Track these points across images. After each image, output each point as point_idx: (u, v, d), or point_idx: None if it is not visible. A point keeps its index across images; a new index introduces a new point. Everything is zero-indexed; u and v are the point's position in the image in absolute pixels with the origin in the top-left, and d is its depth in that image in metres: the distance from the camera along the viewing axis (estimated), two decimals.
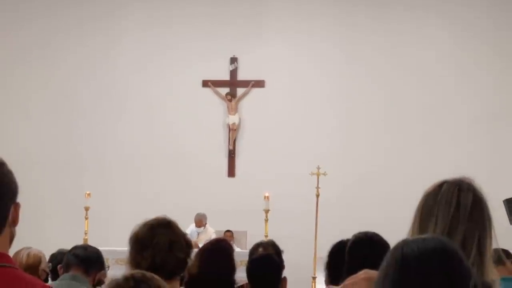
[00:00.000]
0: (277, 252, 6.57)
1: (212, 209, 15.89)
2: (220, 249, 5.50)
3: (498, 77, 17.15)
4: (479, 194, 2.84)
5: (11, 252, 2.56)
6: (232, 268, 5.51)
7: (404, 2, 17.46)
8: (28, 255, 5.83)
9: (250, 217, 15.92)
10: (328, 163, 15.96)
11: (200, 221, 15.60)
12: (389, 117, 17.30)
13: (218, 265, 5.28)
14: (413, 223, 2.84)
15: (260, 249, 6.60)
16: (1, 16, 17.89)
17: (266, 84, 17.75)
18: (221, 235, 15.48)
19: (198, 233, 15.36)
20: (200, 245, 13.06)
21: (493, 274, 2.75)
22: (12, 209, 2.46)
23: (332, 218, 15.81)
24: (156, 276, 2.91)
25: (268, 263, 5.85)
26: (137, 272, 2.96)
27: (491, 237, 2.79)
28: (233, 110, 17.65)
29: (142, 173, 17.43)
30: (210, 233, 15.32)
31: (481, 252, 2.74)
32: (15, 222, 2.48)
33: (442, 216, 2.78)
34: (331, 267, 4.75)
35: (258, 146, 17.35)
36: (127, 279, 2.84)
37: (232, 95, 17.72)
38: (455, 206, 2.79)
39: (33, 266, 5.74)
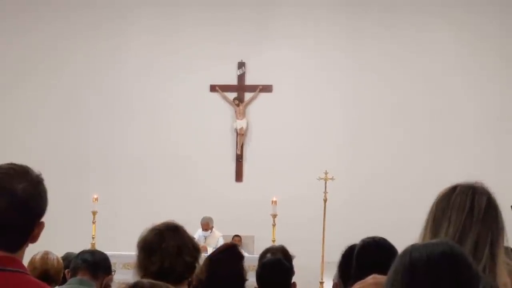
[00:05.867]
0: (288, 258, 6.55)
1: (220, 214, 15.88)
2: (230, 256, 5.46)
3: (504, 81, 17.16)
4: (493, 197, 2.84)
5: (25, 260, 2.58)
6: (241, 277, 5.48)
7: (411, 8, 17.44)
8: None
9: (257, 221, 15.91)
10: (335, 168, 15.96)
11: (207, 224, 15.53)
12: (396, 122, 17.29)
13: (227, 273, 5.25)
14: (426, 226, 2.83)
15: (269, 254, 6.58)
16: (8, 22, 17.93)
17: (274, 88, 17.75)
18: (229, 240, 15.50)
19: (205, 237, 15.31)
20: (209, 249, 13.12)
21: (505, 276, 2.74)
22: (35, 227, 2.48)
23: (340, 222, 15.78)
24: (165, 284, 2.85)
25: (278, 268, 5.84)
26: (147, 281, 2.89)
27: (503, 241, 2.79)
28: (240, 114, 17.65)
29: (149, 178, 17.44)
30: (217, 237, 15.30)
31: (493, 255, 2.72)
32: (34, 239, 2.51)
33: (455, 218, 2.77)
34: (344, 268, 4.72)
35: (265, 151, 17.35)
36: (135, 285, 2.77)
37: (239, 100, 17.73)
38: (468, 208, 2.78)
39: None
